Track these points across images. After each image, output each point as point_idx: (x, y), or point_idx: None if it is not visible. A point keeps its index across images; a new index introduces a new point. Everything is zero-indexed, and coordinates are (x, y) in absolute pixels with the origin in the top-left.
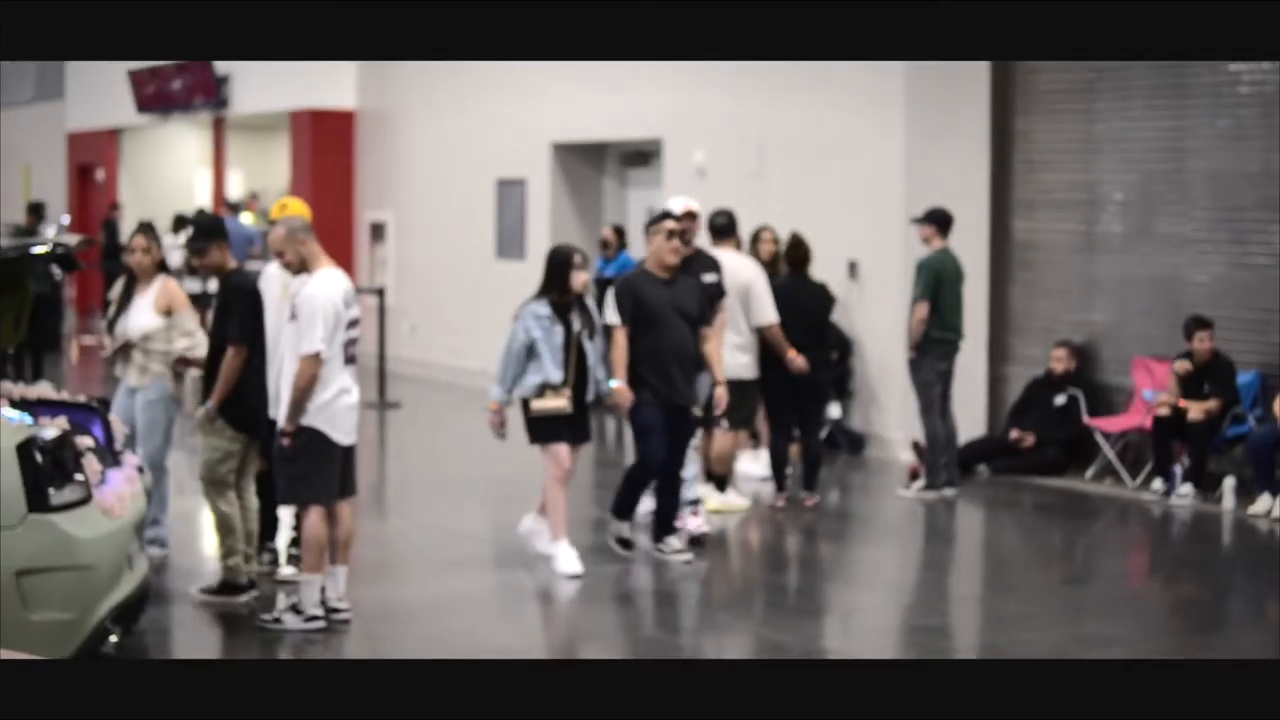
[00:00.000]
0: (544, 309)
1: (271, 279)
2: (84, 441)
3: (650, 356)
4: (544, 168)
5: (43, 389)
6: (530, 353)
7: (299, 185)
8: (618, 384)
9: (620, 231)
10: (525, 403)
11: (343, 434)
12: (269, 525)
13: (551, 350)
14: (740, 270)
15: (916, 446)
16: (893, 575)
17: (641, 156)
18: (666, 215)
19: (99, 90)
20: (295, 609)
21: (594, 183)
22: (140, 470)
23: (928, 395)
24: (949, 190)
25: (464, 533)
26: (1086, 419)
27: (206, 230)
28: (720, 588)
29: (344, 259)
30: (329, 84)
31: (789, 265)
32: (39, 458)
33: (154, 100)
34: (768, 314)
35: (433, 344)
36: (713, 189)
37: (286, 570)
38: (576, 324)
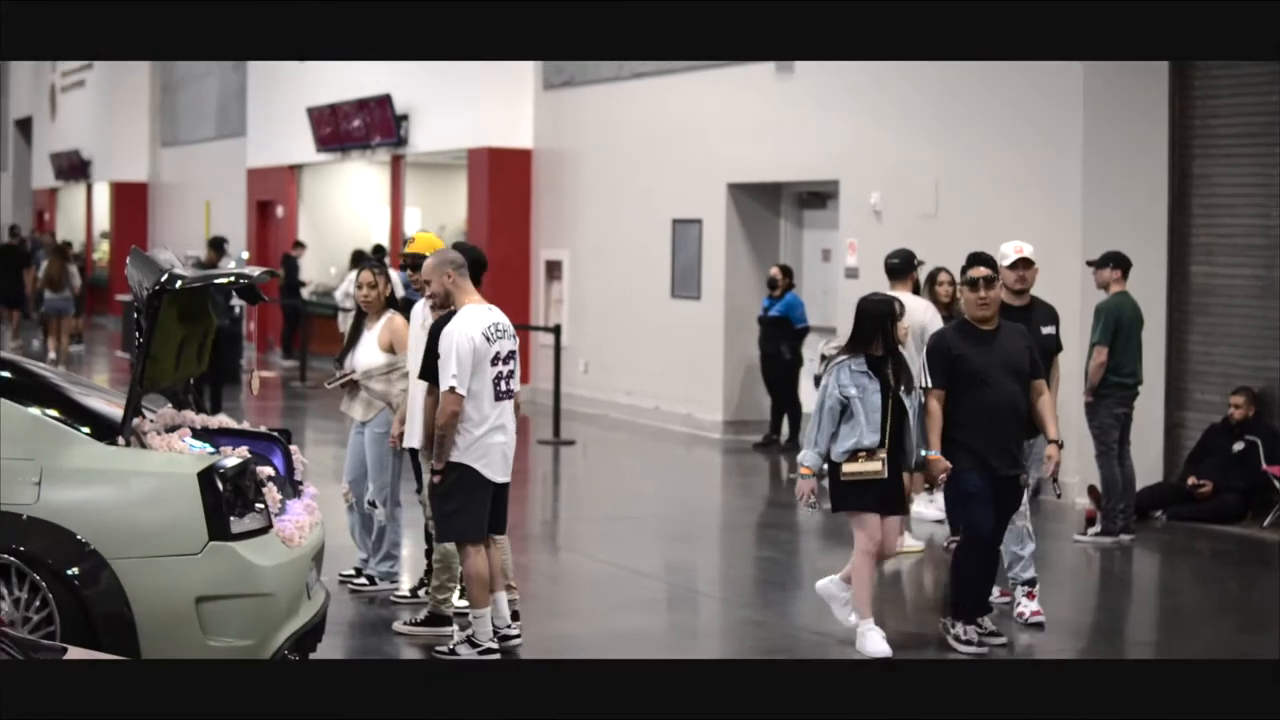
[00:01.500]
0: (859, 364)
1: (417, 312)
2: (265, 471)
3: (971, 419)
4: (719, 207)
5: (223, 419)
6: (843, 412)
7: (475, 223)
8: (933, 453)
9: (788, 271)
10: (834, 466)
11: (493, 471)
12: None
13: (868, 410)
14: (913, 312)
15: (1093, 491)
16: (1067, 620)
17: (817, 197)
18: (976, 261)
19: (279, 128)
20: (471, 641)
21: (769, 223)
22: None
23: (1105, 440)
24: (1126, 234)
25: (636, 569)
26: (1265, 466)
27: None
28: (894, 625)
29: (519, 297)
30: (507, 123)
31: None
32: (220, 486)
33: (333, 139)
34: None
35: (606, 382)
36: (887, 230)
37: (459, 602)
38: (894, 381)
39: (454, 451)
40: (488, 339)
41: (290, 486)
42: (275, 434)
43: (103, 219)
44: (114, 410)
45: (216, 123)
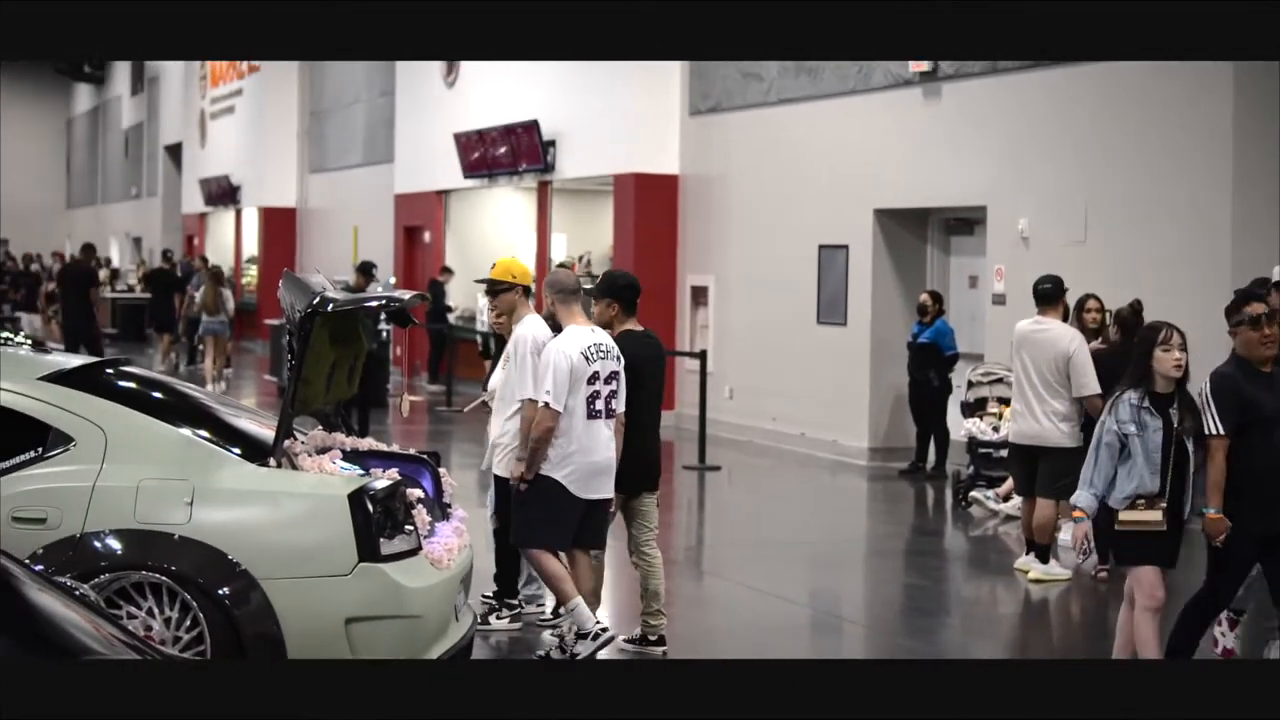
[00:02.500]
0: (1139, 398)
1: (530, 335)
2: (414, 493)
3: (1253, 473)
4: (866, 233)
5: (373, 441)
6: (1121, 451)
7: (622, 249)
8: (1214, 512)
9: (938, 297)
10: (1110, 511)
11: (580, 487)
12: (514, 575)
13: (1147, 452)
14: (1060, 339)
15: None
16: None
17: (964, 223)
18: (1249, 298)
19: (426, 154)
20: (579, 634)
21: (916, 249)
22: None
23: None
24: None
25: (781, 595)
26: None
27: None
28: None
29: (666, 322)
30: (654, 148)
31: (1122, 332)
32: (370, 508)
33: (480, 164)
34: (1090, 384)
35: (752, 408)
36: (1036, 257)
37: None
38: (1178, 420)
39: (541, 463)
40: (586, 359)
41: (439, 509)
42: (424, 456)
43: (251, 244)
44: (264, 432)
45: (364, 149)
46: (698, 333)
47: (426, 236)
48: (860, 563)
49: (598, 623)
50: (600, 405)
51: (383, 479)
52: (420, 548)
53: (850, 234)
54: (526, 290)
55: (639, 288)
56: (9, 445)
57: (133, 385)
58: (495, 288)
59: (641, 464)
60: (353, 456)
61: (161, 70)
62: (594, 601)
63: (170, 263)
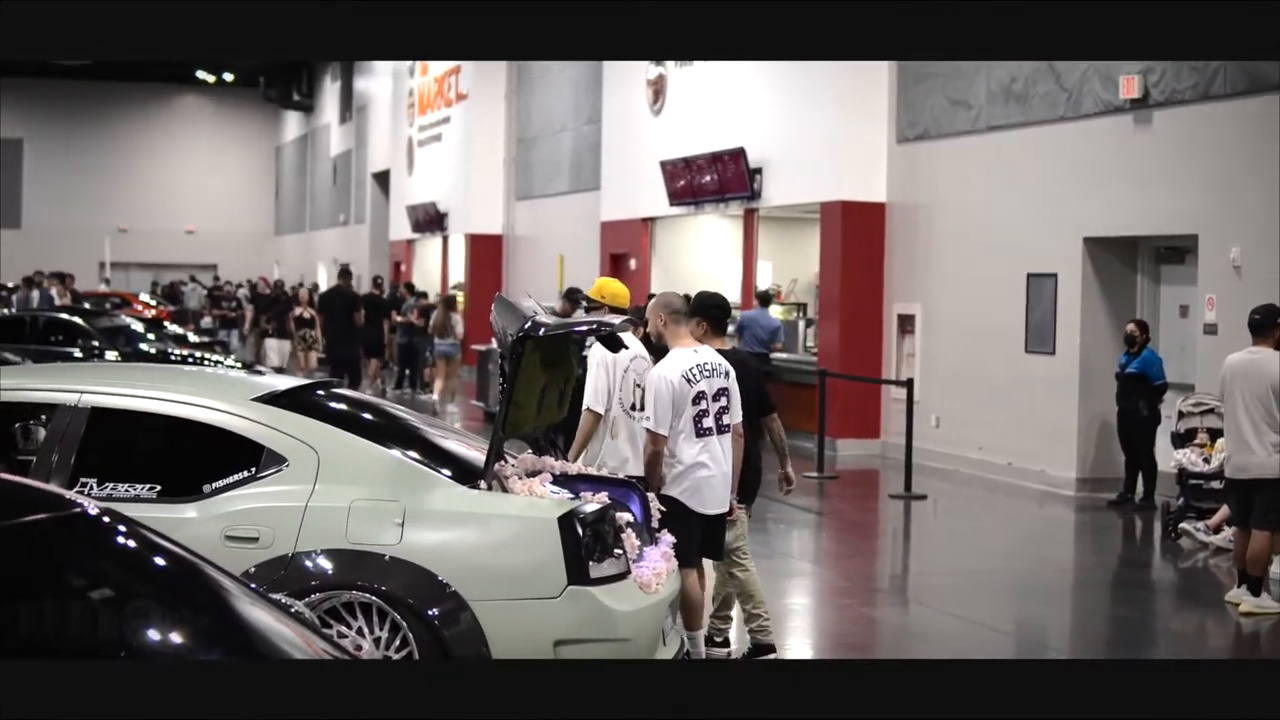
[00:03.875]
0: None
1: (594, 353)
2: (623, 517)
3: None
4: (1075, 262)
5: (582, 465)
6: None
7: (828, 277)
8: None
9: (1144, 326)
10: None
11: (699, 503)
12: None
13: None
14: (1274, 369)
15: None
16: None
17: (1175, 252)
18: None
19: (632, 181)
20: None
21: (1126, 278)
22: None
23: None
24: None
25: (986, 625)
26: None
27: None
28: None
29: (872, 351)
30: (860, 176)
31: None
32: (580, 531)
33: (686, 192)
34: None
35: (958, 437)
36: (1248, 286)
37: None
38: None
39: (665, 486)
40: (688, 380)
41: (647, 533)
42: (633, 481)
43: (457, 270)
44: (473, 454)
45: (571, 176)
46: (904, 361)
47: (632, 264)
48: (1067, 594)
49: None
50: (710, 422)
51: (592, 503)
52: (629, 571)
53: (1059, 262)
54: (615, 311)
55: (728, 308)
56: (223, 465)
57: (344, 407)
58: (593, 306)
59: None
60: (562, 480)
61: (370, 98)
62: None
63: (379, 288)
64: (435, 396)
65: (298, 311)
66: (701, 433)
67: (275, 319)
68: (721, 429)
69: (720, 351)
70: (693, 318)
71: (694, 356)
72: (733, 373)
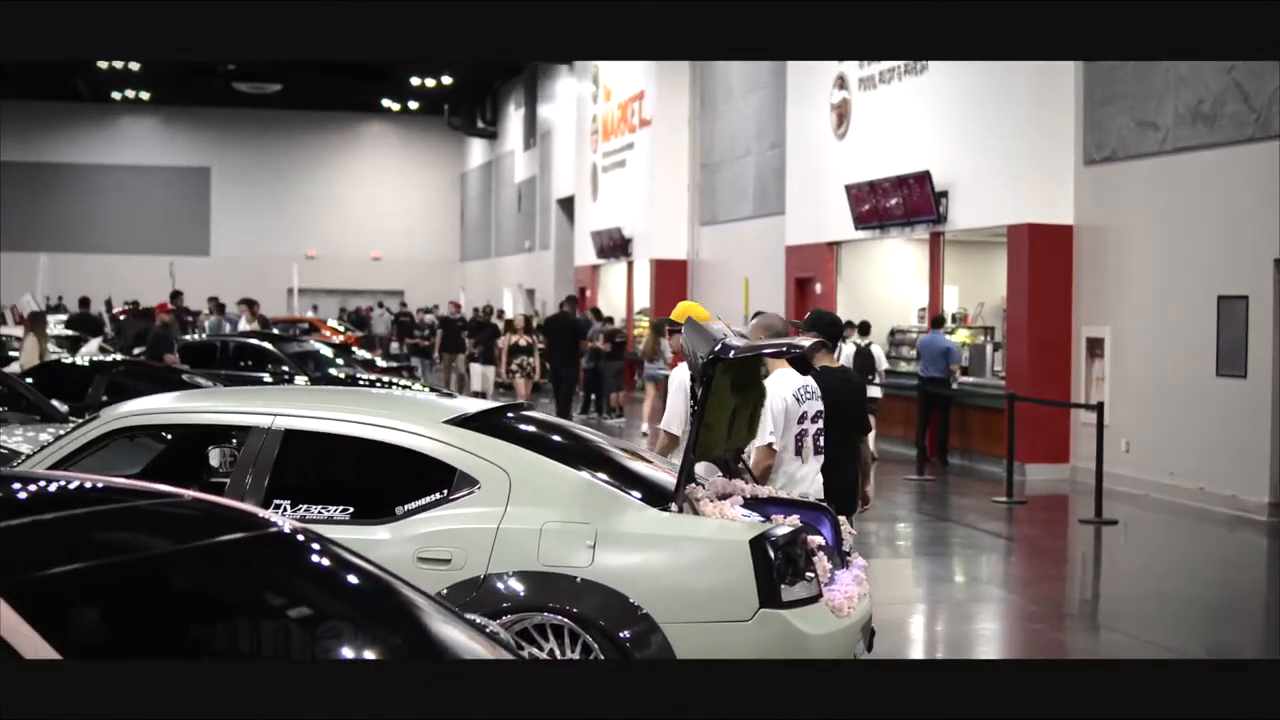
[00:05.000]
0: None
1: (676, 375)
2: (815, 540)
3: None
4: (1266, 283)
5: (771, 488)
6: None
7: (1015, 300)
8: None
9: None
10: None
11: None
12: None
13: None
14: None
15: None
16: None
17: None
18: None
19: (817, 206)
20: None
21: None
22: None
23: None
24: None
25: (1177, 650)
26: None
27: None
28: None
29: (1060, 374)
30: (1047, 199)
31: None
32: (772, 554)
33: (871, 216)
34: None
35: (1149, 462)
36: None
37: None
38: None
39: None
40: (798, 400)
41: (839, 557)
42: (824, 504)
43: (642, 296)
44: (662, 476)
45: (755, 201)
46: (1093, 385)
47: (818, 288)
48: (1260, 620)
49: None
50: (808, 442)
51: (784, 526)
52: (821, 595)
53: (1250, 284)
54: None
55: (841, 326)
56: (416, 487)
57: (534, 429)
58: (673, 328)
59: (840, 491)
60: (753, 503)
61: (553, 125)
62: None
63: (561, 311)
64: (645, 419)
65: (514, 339)
66: (800, 451)
67: (482, 344)
68: (817, 449)
69: (827, 369)
70: (809, 333)
71: (799, 378)
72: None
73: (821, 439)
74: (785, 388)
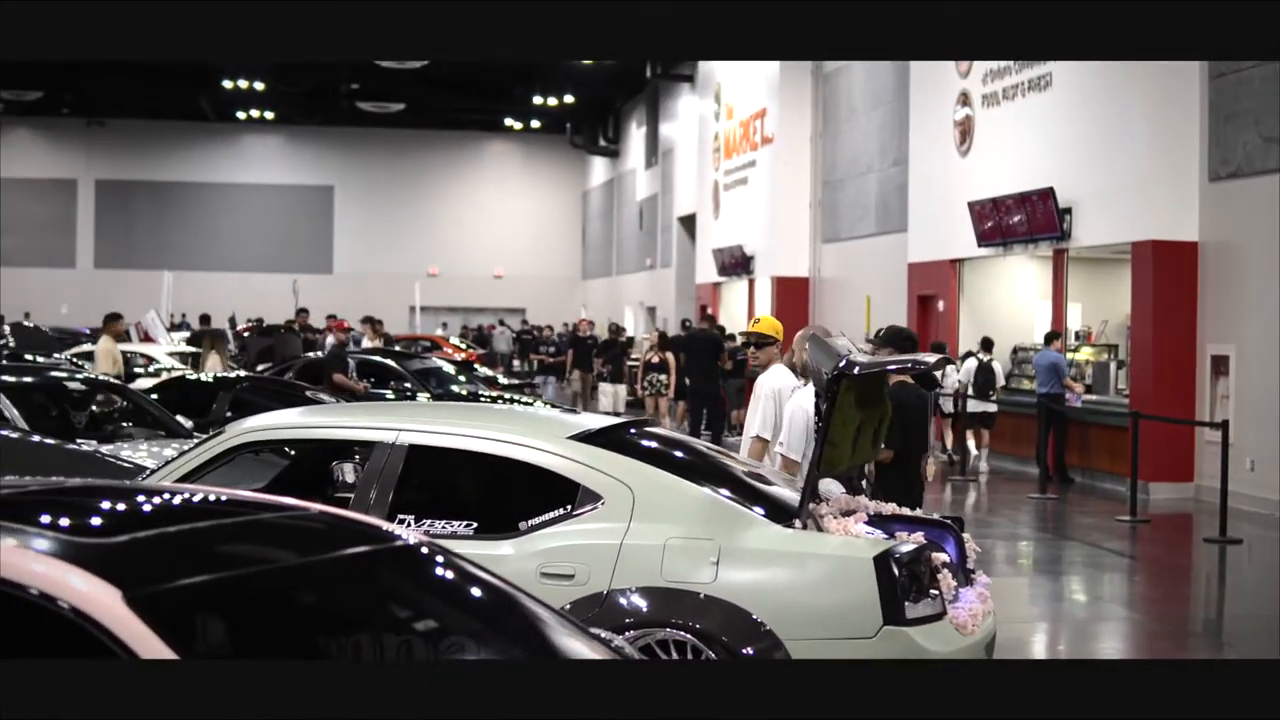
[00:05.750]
0: None
1: (761, 382)
2: (939, 557)
3: None
4: None
5: (895, 505)
6: None
7: (1140, 317)
8: None
9: None
10: None
11: None
12: None
13: None
14: None
15: None
16: None
17: None
18: None
19: (940, 223)
20: None
21: None
22: None
23: None
24: None
25: None
26: None
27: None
28: None
29: (1184, 392)
30: (1172, 215)
31: None
32: (896, 571)
33: (994, 233)
34: None
35: (1273, 480)
36: None
37: None
38: None
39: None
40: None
41: (963, 574)
42: (948, 521)
43: (763, 313)
44: (785, 492)
45: (877, 218)
46: (1218, 403)
47: (940, 305)
48: None
49: None
50: None
51: (908, 543)
52: (945, 612)
53: None
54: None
55: (916, 341)
56: (539, 503)
57: (656, 445)
58: (763, 341)
59: (908, 502)
60: (877, 520)
61: (675, 143)
62: None
63: (686, 331)
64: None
65: (648, 356)
66: None
67: (610, 362)
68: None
69: (905, 385)
70: (884, 348)
71: None
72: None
73: None
74: (810, 399)
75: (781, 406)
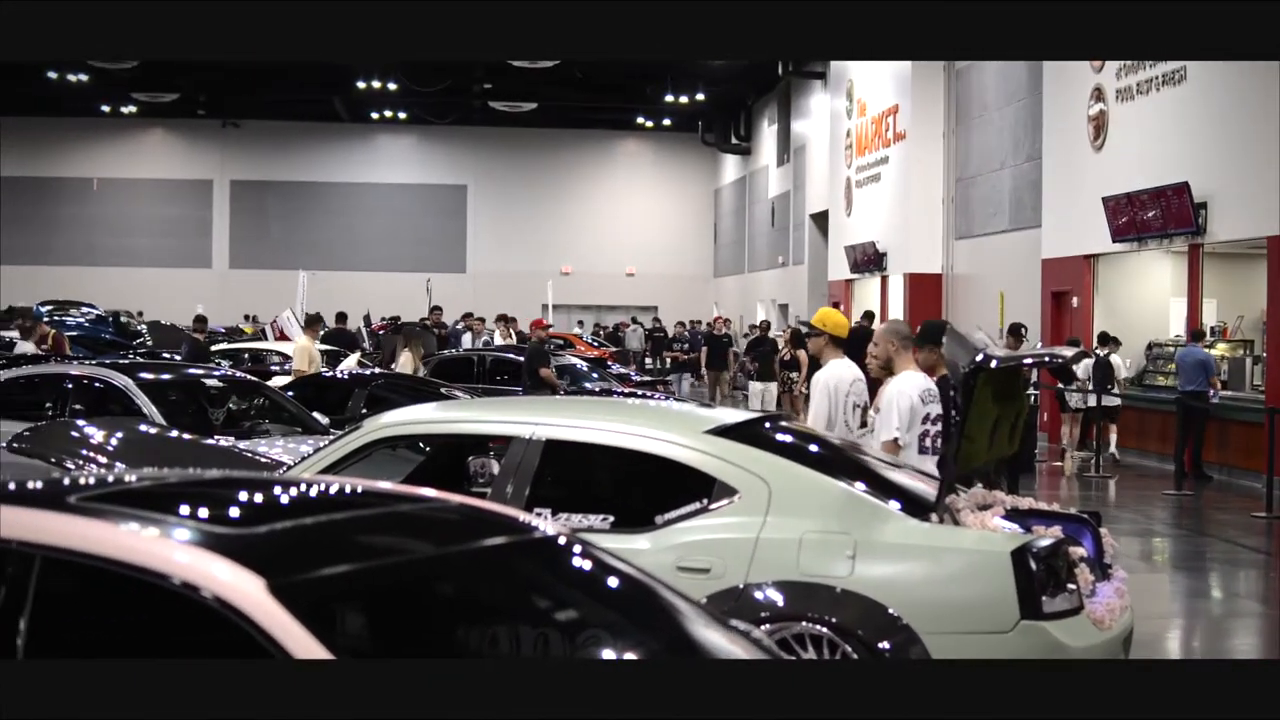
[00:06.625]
0: None
1: (819, 378)
2: (1076, 552)
3: None
4: None
5: (1033, 500)
6: None
7: (1276, 312)
8: None
9: None
10: None
11: None
12: None
13: None
14: None
15: None
16: None
17: None
18: None
19: (1074, 218)
20: None
21: None
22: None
23: None
24: None
25: None
26: None
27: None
28: None
29: None
30: None
31: None
32: (1033, 565)
33: (1128, 228)
34: None
35: None
36: None
37: None
38: None
39: None
40: (923, 401)
41: (1100, 569)
42: (1085, 516)
43: (896, 310)
44: (920, 486)
45: (1011, 214)
46: None
47: (1074, 301)
48: None
49: None
50: (929, 443)
51: (1045, 537)
52: (1082, 607)
53: None
54: (833, 339)
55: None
56: (675, 497)
57: (791, 439)
58: (812, 332)
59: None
60: (1013, 514)
61: (807, 140)
62: None
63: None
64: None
65: (782, 354)
66: (923, 450)
67: (759, 360)
68: (935, 450)
69: (944, 379)
70: (924, 345)
71: (924, 380)
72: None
73: (939, 440)
74: (912, 387)
75: (840, 399)
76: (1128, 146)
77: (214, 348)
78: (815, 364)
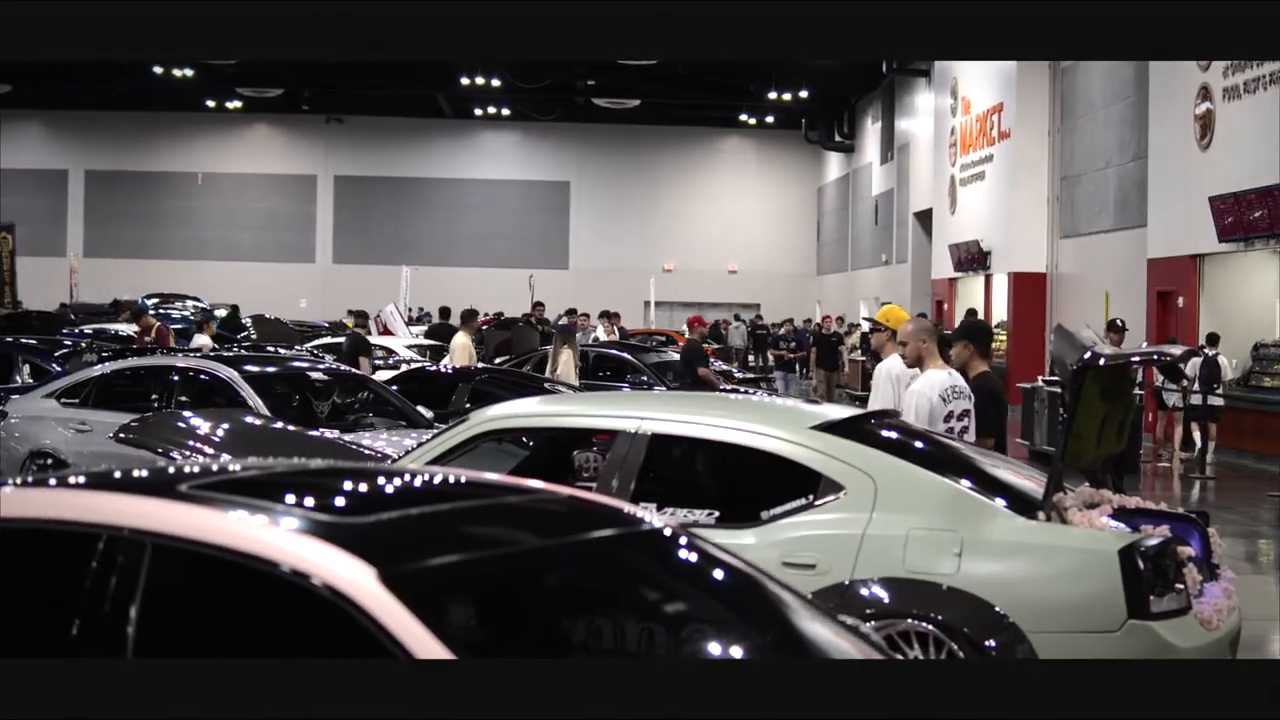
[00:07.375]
0: None
1: (881, 369)
2: (1184, 552)
3: None
4: None
5: (1140, 499)
6: None
7: None
8: None
9: None
10: None
11: None
12: None
13: None
14: None
15: None
16: None
17: None
18: None
19: (1180, 218)
20: None
21: None
22: None
23: None
24: None
25: None
26: None
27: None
28: None
29: None
30: None
31: None
32: (1141, 565)
33: (1235, 228)
34: None
35: None
36: None
37: None
38: None
39: None
40: (943, 399)
41: (1208, 569)
42: (1193, 516)
43: (1000, 309)
44: (1026, 484)
45: (1115, 213)
46: None
47: (1180, 301)
48: None
49: None
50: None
51: (1154, 536)
52: (1190, 607)
53: None
54: (894, 334)
55: (992, 333)
56: (781, 492)
57: (897, 435)
58: (876, 328)
59: None
60: (1121, 513)
61: (911, 138)
62: None
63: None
64: None
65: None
66: None
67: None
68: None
69: (986, 374)
70: (959, 340)
71: (949, 379)
72: (972, 396)
73: (965, 436)
74: (931, 388)
75: (902, 389)
76: (1234, 146)
77: (315, 342)
78: (876, 358)
